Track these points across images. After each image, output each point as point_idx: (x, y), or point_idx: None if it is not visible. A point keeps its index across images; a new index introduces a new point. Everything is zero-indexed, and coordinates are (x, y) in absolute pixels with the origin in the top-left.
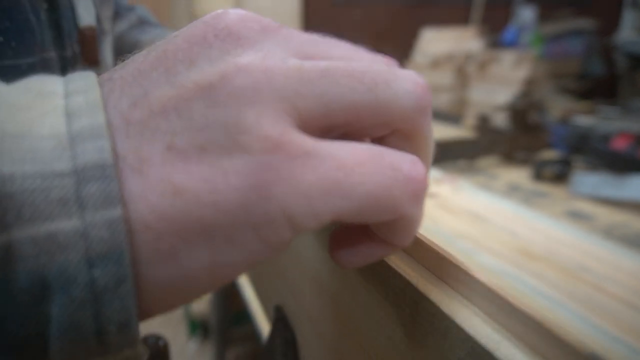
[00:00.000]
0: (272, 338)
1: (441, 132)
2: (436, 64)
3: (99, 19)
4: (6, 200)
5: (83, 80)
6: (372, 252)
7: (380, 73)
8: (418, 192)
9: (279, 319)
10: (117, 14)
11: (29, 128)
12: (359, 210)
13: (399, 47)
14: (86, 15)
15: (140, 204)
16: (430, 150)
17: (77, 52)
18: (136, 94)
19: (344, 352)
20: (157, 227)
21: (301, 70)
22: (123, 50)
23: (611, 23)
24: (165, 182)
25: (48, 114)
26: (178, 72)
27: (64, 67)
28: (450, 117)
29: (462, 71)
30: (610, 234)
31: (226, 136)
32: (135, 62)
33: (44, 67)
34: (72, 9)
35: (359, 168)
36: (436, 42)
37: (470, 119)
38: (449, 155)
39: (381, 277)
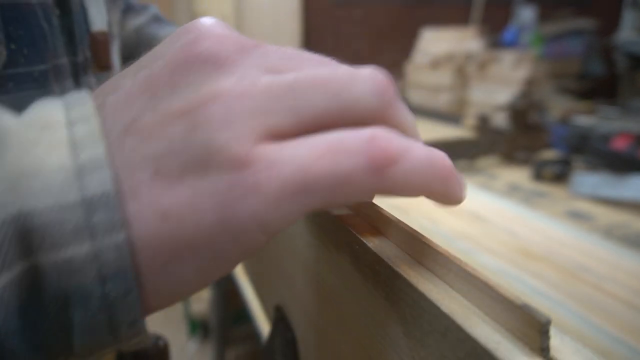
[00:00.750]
0: (272, 338)
1: (441, 132)
2: (436, 64)
3: (109, 23)
4: (30, 234)
5: (81, 106)
6: None
7: (342, 79)
8: (383, 165)
9: (279, 319)
10: (131, 10)
11: (40, 165)
12: (326, 201)
13: (399, 47)
14: (98, 20)
15: (138, 227)
16: (412, 128)
17: (89, 57)
18: (126, 121)
19: (344, 352)
20: (152, 246)
21: (270, 87)
22: (140, 43)
23: (611, 23)
24: (155, 207)
25: (55, 147)
26: (162, 98)
27: (75, 73)
28: (450, 117)
29: (462, 71)
30: (610, 234)
31: (201, 159)
32: (125, 85)
33: (56, 74)
34: (84, 14)
35: (319, 162)
36: (436, 42)
37: (470, 119)
38: (449, 155)
39: (381, 276)
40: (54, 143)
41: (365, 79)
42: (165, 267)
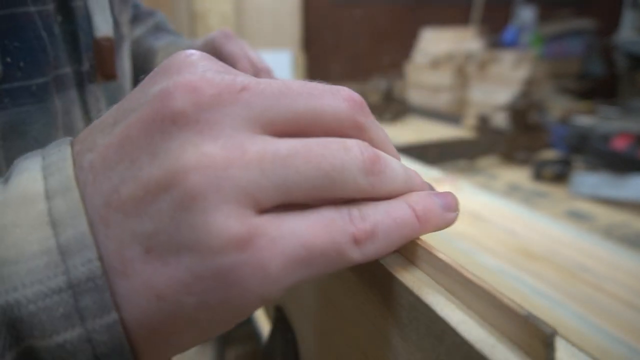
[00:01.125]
0: (272, 338)
1: (441, 132)
2: (436, 64)
3: (117, 24)
4: (18, 324)
5: (59, 173)
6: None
7: (335, 156)
8: (363, 239)
9: (279, 319)
10: (137, 18)
11: (21, 250)
12: (322, 271)
13: (399, 47)
14: (103, 25)
15: (131, 308)
16: (402, 192)
17: (93, 65)
18: (107, 191)
19: (342, 353)
20: (148, 325)
21: (262, 160)
22: (138, 55)
23: (611, 23)
24: (149, 288)
25: (35, 228)
26: (141, 166)
27: (80, 83)
28: (450, 117)
29: (462, 71)
30: (610, 234)
31: (198, 241)
32: (102, 143)
33: (57, 85)
34: (89, 19)
35: (317, 240)
36: (436, 42)
37: (470, 119)
38: (449, 155)
39: (379, 280)
40: (33, 223)
41: (357, 155)
42: (163, 340)
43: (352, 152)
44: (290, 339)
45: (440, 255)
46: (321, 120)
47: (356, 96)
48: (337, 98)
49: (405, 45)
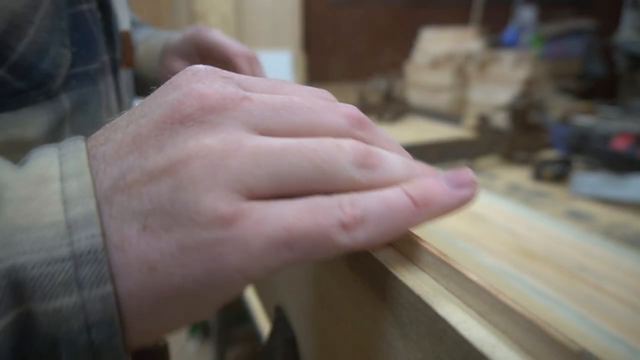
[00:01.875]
0: (272, 338)
1: (441, 132)
2: (436, 64)
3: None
4: (22, 285)
5: (75, 160)
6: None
7: (327, 151)
8: (351, 224)
9: (279, 319)
10: None
11: (33, 220)
12: (305, 257)
13: (399, 47)
14: (125, 20)
15: (124, 279)
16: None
17: (120, 55)
18: (116, 176)
19: (342, 353)
20: (138, 295)
21: (256, 153)
22: None
23: (611, 23)
24: (142, 260)
25: (48, 203)
26: (149, 156)
27: (114, 70)
28: (450, 117)
29: (462, 71)
30: (610, 234)
31: (188, 218)
32: (116, 138)
33: (102, 71)
34: (115, 15)
35: (300, 223)
36: (436, 42)
37: (470, 119)
38: (449, 155)
39: (379, 279)
40: (47, 199)
41: (349, 150)
42: (151, 312)
43: (344, 147)
44: (290, 339)
45: (472, 277)
46: (318, 133)
47: (356, 112)
48: (337, 114)
49: (405, 45)
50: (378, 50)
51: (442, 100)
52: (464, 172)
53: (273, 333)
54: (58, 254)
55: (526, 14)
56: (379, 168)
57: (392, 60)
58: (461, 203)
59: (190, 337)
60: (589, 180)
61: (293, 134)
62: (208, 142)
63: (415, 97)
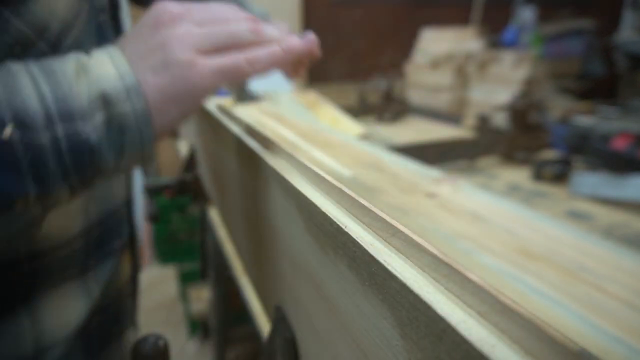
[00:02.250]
0: (272, 338)
1: (441, 132)
2: (436, 64)
3: None
4: (106, 96)
5: (116, 55)
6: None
7: (236, 27)
8: (251, 62)
9: (279, 319)
10: None
11: (106, 73)
12: (230, 78)
13: (399, 47)
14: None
15: (145, 92)
16: (275, 38)
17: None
18: (132, 52)
19: (342, 353)
20: (151, 100)
21: (201, 34)
22: None
23: (611, 23)
24: (151, 84)
25: (107, 65)
26: (147, 39)
27: (117, 32)
28: (450, 117)
29: (462, 71)
30: (610, 234)
31: (171, 63)
32: (127, 38)
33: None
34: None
35: (226, 62)
36: (436, 42)
37: (470, 119)
38: (449, 155)
39: (378, 279)
40: (106, 64)
41: (244, 24)
42: (162, 110)
43: (243, 25)
44: (290, 339)
45: (471, 277)
46: (232, 23)
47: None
48: (240, 16)
49: (405, 45)
50: (378, 50)
51: (442, 100)
52: (310, 35)
53: (273, 333)
54: (121, 85)
55: (526, 14)
56: (263, 32)
57: (392, 60)
58: (308, 49)
59: (190, 337)
60: (589, 180)
61: (218, 25)
62: (177, 31)
63: (415, 97)
